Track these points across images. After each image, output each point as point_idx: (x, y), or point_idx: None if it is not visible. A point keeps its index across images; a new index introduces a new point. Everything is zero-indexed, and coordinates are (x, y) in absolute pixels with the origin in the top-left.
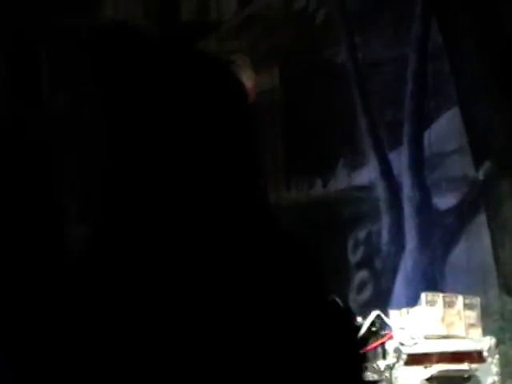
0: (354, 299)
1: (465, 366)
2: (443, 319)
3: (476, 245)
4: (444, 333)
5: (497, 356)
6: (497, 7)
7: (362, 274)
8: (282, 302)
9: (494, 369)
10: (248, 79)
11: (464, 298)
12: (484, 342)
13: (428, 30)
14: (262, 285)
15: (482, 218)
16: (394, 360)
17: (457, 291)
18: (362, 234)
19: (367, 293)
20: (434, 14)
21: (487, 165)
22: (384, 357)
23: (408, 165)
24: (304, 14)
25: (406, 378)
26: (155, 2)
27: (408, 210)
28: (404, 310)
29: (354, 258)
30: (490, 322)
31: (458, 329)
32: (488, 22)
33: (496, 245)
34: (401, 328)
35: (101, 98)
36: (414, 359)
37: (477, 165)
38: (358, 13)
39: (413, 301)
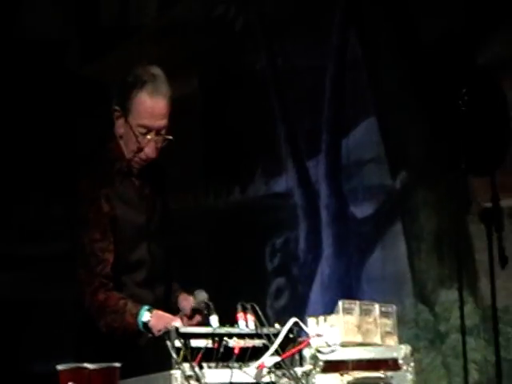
0: (271, 305)
1: (380, 373)
2: (360, 327)
3: (392, 253)
4: (360, 340)
5: (412, 364)
6: (414, 18)
7: (279, 281)
8: None
9: (409, 376)
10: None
11: (380, 306)
12: (399, 350)
13: (347, 39)
14: None
15: (398, 227)
16: (311, 367)
17: (373, 299)
18: (279, 241)
19: (284, 299)
20: (354, 24)
21: (403, 174)
22: (301, 364)
23: (325, 173)
24: (223, 21)
25: None
26: (74, 7)
27: (325, 217)
28: (321, 318)
29: (272, 264)
30: (406, 329)
31: (375, 336)
32: (406, 32)
33: (411, 254)
34: (318, 335)
35: None
36: (331, 366)
37: (393, 174)
38: (277, 20)
39: (329, 308)
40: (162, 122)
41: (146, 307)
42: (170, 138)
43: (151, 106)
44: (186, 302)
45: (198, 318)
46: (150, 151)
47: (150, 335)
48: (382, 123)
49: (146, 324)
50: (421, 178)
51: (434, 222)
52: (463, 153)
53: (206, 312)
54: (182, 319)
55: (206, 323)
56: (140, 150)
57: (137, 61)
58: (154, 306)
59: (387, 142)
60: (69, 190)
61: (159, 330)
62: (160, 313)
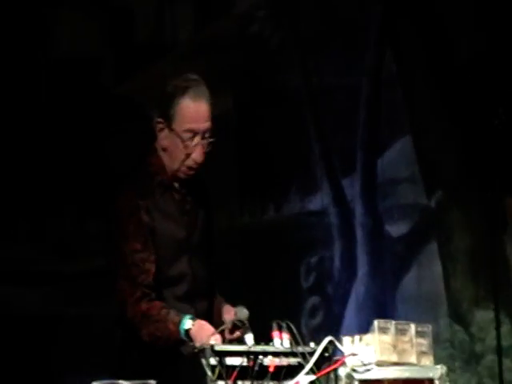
0: (306, 324)
1: None
2: (395, 346)
3: (427, 273)
4: (396, 360)
5: None
6: (449, 36)
7: (313, 300)
8: None
9: None
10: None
11: (416, 326)
12: (435, 370)
13: (382, 57)
14: None
15: (433, 247)
16: None
17: (407, 319)
18: (314, 260)
19: (319, 318)
20: (389, 42)
21: (438, 193)
22: (336, 382)
23: (360, 191)
24: (259, 39)
25: None
26: (109, 24)
27: (360, 236)
28: (356, 337)
29: (306, 283)
30: (440, 349)
31: (410, 356)
32: (441, 51)
33: (447, 273)
34: (353, 354)
35: None
36: None
37: (428, 193)
38: (313, 39)
39: (364, 328)
40: (207, 125)
41: (189, 316)
42: (213, 140)
43: (195, 109)
44: (229, 315)
45: (237, 333)
46: (197, 156)
47: (192, 344)
48: (416, 142)
49: (187, 332)
50: (456, 198)
51: (470, 241)
52: (499, 172)
53: (241, 328)
54: (223, 332)
55: (242, 341)
56: (188, 156)
57: (171, 78)
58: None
59: (422, 161)
60: (105, 206)
61: (201, 341)
62: (202, 322)
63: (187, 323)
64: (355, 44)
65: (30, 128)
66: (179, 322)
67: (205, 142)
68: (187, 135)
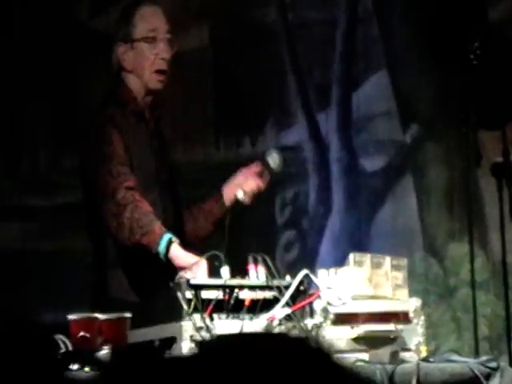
0: (281, 258)
1: (391, 326)
2: (370, 280)
3: (402, 207)
4: (371, 293)
5: (422, 317)
6: None
7: (288, 234)
8: None
9: (420, 330)
10: None
11: (391, 259)
12: (410, 303)
13: None
14: None
15: (408, 181)
16: (322, 319)
17: (383, 253)
18: (289, 195)
19: (294, 253)
20: None
21: (414, 128)
22: (312, 316)
23: (336, 126)
24: None
25: (332, 337)
26: None
27: (335, 171)
28: (332, 270)
29: (281, 218)
30: (415, 283)
31: (385, 290)
32: None
33: (421, 207)
34: (328, 288)
35: None
36: (342, 319)
37: (404, 128)
38: None
39: (339, 261)
40: (166, 27)
41: (169, 236)
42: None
43: (152, 12)
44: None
45: (266, 175)
46: (163, 53)
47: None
48: (392, 77)
49: (166, 255)
50: (431, 132)
51: (444, 176)
52: (474, 107)
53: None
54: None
55: (216, 275)
56: (155, 58)
57: None
58: None
59: (398, 96)
60: (79, 140)
61: (181, 268)
62: (182, 251)
63: (164, 247)
64: None
65: (3, 61)
66: (160, 237)
67: (166, 48)
68: (150, 34)
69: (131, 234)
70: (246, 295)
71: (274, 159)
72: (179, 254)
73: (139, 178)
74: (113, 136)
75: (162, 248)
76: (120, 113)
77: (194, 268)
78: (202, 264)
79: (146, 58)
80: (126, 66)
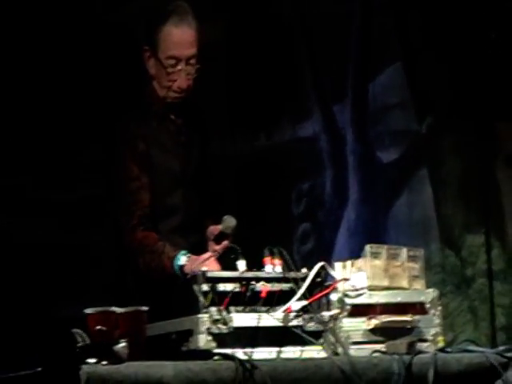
0: (298, 250)
1: (408, 317)
2: (387, 271)
3: (418, 198)
4: (387, 284)
5: (439, 308)
6: None
7: (305, 226)
8: None
9: (436, 320)
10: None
11: (408, 250)
12: (427, 294)
13: None
14: None
15: (424, 172)
16: (338, 311)
17: (399, 244)
18: (305, 186)
19: (310, 244)
20: None
21: (429, 119)
22: (328, 308)
23: (352, 118)
24: None
25: (349, 328)
26: None
27: (351, 163)
28: (348, 262)
29: (298, 209)
30: (432, 274)
31: (402, 280)
32: None
33: (438, 198)
34: (345, 279)
35: None
36: (358, 310)
37: (419, 119)
38: None
39: (355, 253)
40: (191, 51)
41: (183, 252)
42: (199, 66)
43: (178, 35)
44: (214, 228)
45: (225, 242)
46: (181, 82)
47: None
48: (408, 68)
49: (181, 268)
50: (447, 123)
51: (461, 166)
52: (490, 97)
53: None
54: (209, 245)
55: (233, 267)
56: (172, 82)
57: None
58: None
59: (413, 87)
60: (102, 135)
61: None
62: (195, 257)
63: (182, 259)
64: None
65: (24, 58)
66: (174, 257)
67: (189, 68)
68: (170, 62)
69: (152, 272)
70: (263, 287)
71: (227, 224)
72: (190, 263)
73: (161, 181)
74: (132, 141)
75: (177, 270)
76: (144, 112)
77: (204, 264)
78: (211, 259)
79: (166, 76)
80: (149, 70)
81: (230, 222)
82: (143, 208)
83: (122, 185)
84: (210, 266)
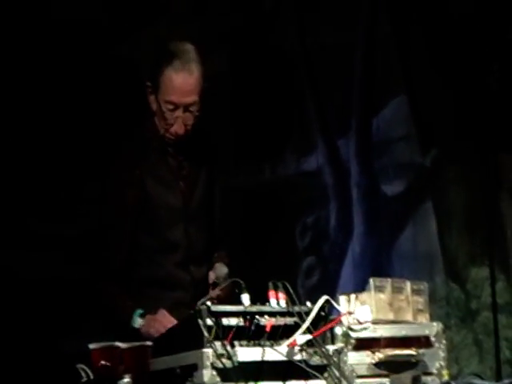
0: (302, 284)
1: (412, 351)
2: (391, 304)
3: (422, 231)
4: (392, 318)
5: (444, 341)
6: None
7: (309, 260)
8: None
9: (441, 354)
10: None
11: (412, 284)
12: (431, 328)
13: (376, 15)
14: None
15: (428, 205)
16: (343, 345)
17: (403, 277)
18: (310, 220)
19: (315, 278)
20: (383, 0)
21: (434, 152)
22: (333, 341)
23: (356, 151)
24: None
25: (354, 362)
26: None
27: (355, 195)
28: (352, 295)
29: (302, 243)
30: (437, 307)
31: (406, 314)
32: (435, 8)
33: (442, 231)
34: (349, 313)
35: None
36: (363, 344)
37: (423, 152)
38: None
39: (360, 286)
40: (190, 99)
41: (139, 312)
42: (197, 114)
43: (178, 82)
44: (212, 272)
45: (216, 291)
46: (177, 128)
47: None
48: (411, 101)
49: (139, 330)
50: (451, 156)
51: (465, 199)
52: (493, 129)
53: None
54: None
55: (238, 302)
56: (169, 126)
57: (166, 39)
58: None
59: (417, 120)
60: (103, 170)
61: (150, 334)
62: (152, 317)
63: (137, 321)
64: (349, 2)
65: (26, 91)
66: (131, 317)
67: (187, 115)
68: (168, 106)
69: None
70: (267, 321)
71: (218, 273)
72: (146, 325)
73: (162, 216)
74: (125, 183)
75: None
76: (144, 147)
77: (155, 323)
78: (161, 314)
79: (163, 119)
80: (151, 107)
81: (221, 271)
82: (113, 259)
83: (103, 229)
84: (164, 321)
